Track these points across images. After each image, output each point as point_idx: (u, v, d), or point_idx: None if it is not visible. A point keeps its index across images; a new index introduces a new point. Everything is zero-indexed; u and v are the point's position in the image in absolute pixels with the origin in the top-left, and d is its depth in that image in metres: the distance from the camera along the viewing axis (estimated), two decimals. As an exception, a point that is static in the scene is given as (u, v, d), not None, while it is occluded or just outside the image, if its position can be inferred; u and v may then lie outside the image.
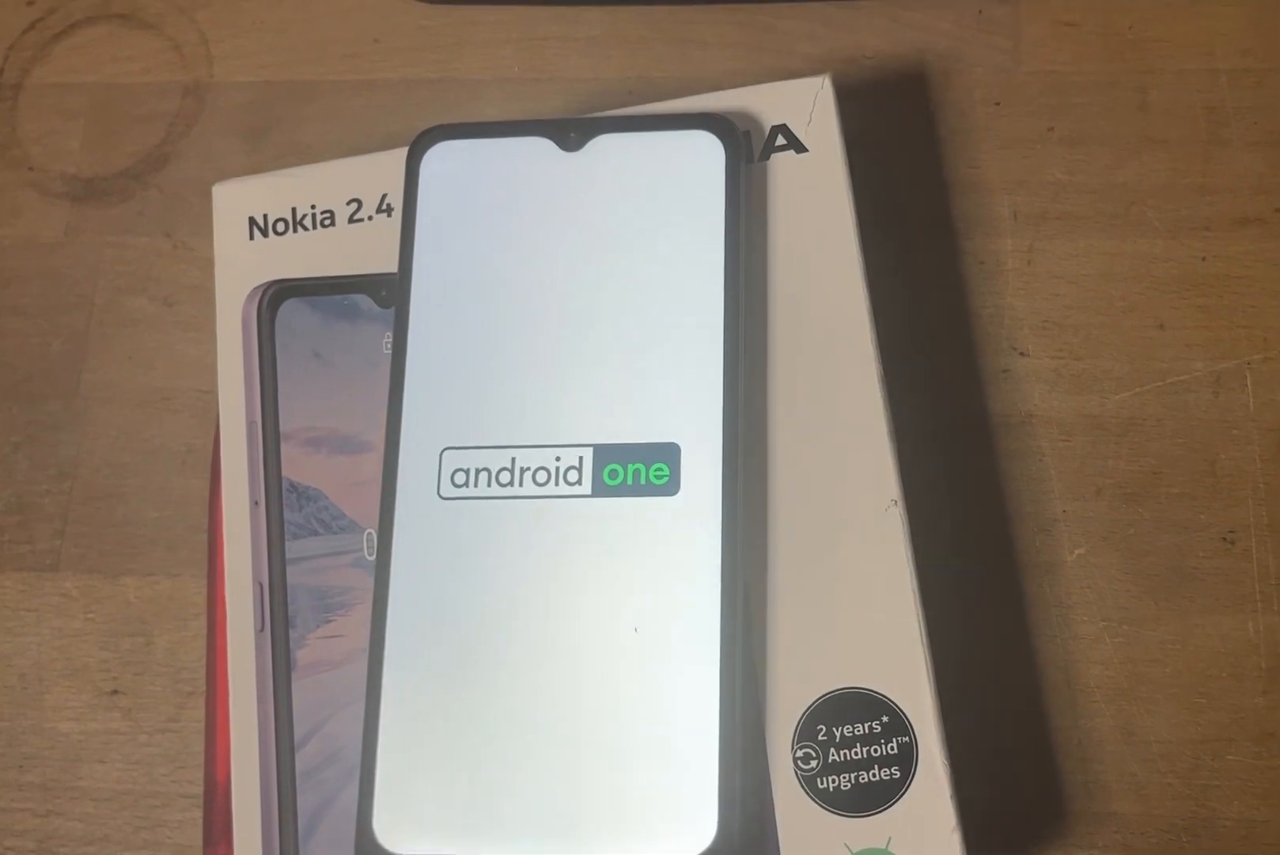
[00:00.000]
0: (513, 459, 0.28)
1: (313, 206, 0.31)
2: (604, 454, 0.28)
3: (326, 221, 0.31)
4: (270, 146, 0.36)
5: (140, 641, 0.32)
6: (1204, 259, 0.31)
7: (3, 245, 0.36)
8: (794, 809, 0.26)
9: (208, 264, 0.35)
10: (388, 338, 0.30)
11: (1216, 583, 0.30)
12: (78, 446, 0.34)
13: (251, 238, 0.31)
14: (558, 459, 0.28)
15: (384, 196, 0.31)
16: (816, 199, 0.29)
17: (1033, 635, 0.30)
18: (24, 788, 0.32)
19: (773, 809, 0.26)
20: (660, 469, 0.27)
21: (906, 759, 0.26)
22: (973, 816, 0.26)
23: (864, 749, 0.26)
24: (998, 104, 0.33)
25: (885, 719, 0.26)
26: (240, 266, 0.31)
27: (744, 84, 0.33)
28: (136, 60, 0.37)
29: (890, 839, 0.26)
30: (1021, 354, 0.31)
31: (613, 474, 0.28)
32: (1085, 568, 0.30)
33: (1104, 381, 0.31)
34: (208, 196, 0.33)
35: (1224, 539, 0.30)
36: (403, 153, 0.30)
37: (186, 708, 0.32)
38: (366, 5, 0.37)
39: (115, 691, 0.32)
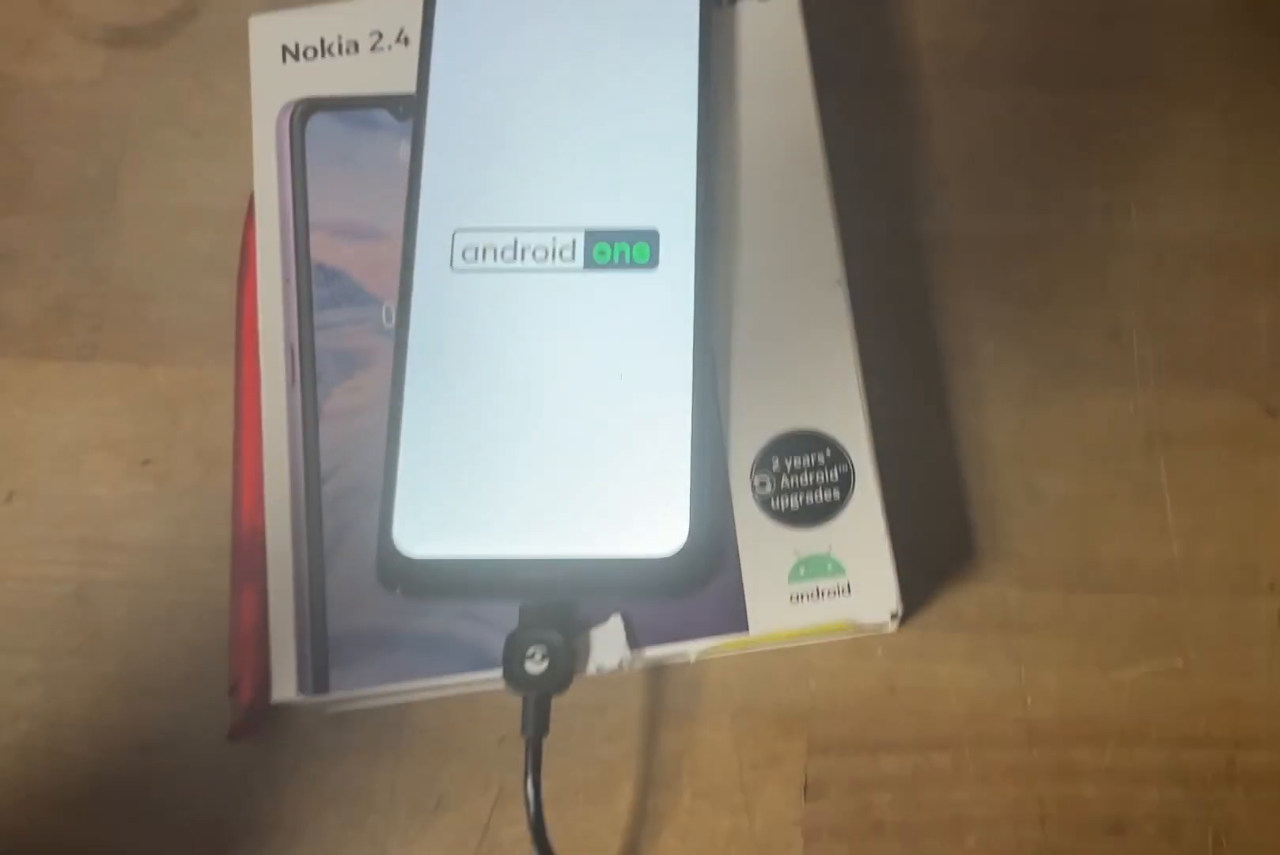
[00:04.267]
0: (515, 239, 0.33)
1: (339, 36, 0.36)
2: (594, 236, 0.33)
3: (351, 49, 0.36)
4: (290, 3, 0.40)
5: (169, 419, 0.36)
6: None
7: (43, 82, 0.40)
8: (752, 524, 0.31)
9: (233, 101, 0.39)
10: (404, 145, 0.34)
11: (1104, 370, 0.35)
12: (112, 255, 0.38)
13: (284, 62, 0.36)
14: (554, 239, 0.33)
15: (401, 30, 0.36)
16: (776, 42, 0.35)
17: (951, 410, 0.35)
18: (63, 544, 0.35)
19: (734, 524, 0.31)
20: (642, 248, 0.32)
21: (845, 483, 0.31)
22: (898, 554, 0.31)
23: (810, 476, 0.31)
24: (929, -19, 0.39)
25: (828, 452, 0.31)
26: (274, 85, 0.35)
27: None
28: (168, -76, 0.41)
29: (831, 546, 0.31)
30: (944, 184, 0.37)
31: (601, 252, 0.32)
32: (995, 359, 0.35)
33: (1014, 207, 0.36)
34: (233, 44, 0.38)
35: (1110, 337, 0.35)
36: (418, -6, 0.35)
37: (211, 475, 0.36)
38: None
39: (147, 462, 0.36)
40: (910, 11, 0.38)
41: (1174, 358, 0.35)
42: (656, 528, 0.30)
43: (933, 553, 0.34)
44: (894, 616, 0.30)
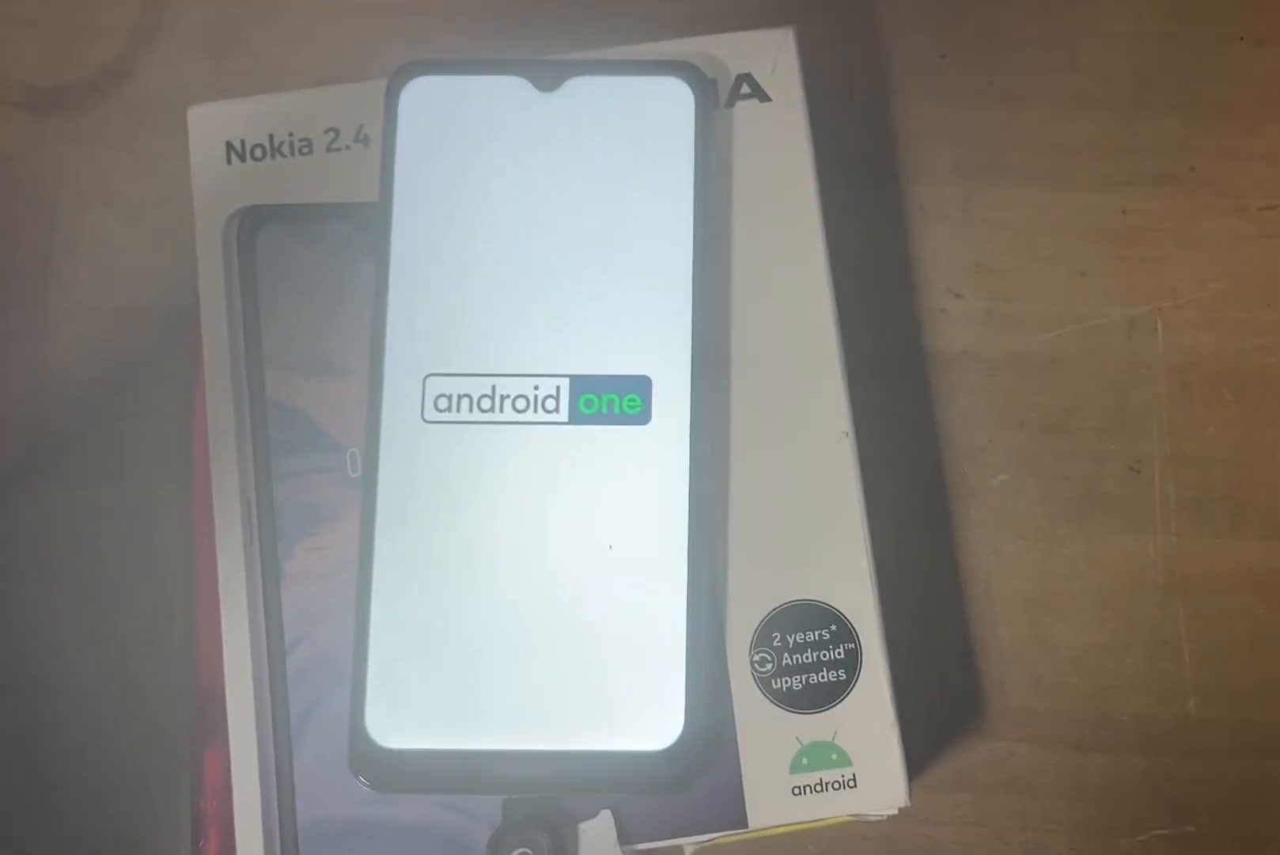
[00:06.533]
0: (493, 387, 0.30)
1: (290, 134, 0.32)
2: (580, 384, 0.30)
3: (304, 149, 0.32)
4: (235, 65, 0.36)
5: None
6: (1124, 213, 0.34)
7: (-41, 154, 0.36)
8: (751, 707, 0.29)
9: (172, 180, 0.36)
10: (366, 266, 0.31)
11: (1122, 508, 0.33)
12: (45, 358, 0.35)
13: (229, 162, 0.32)
14: (536, 388, 0.30)
15: (361, 127, 0.32)
16: (778, 147, 0.31)
17: (958, 552, 0.33)
18: None
19: (732, 707, 0.29)
20: (633, 400, 0.30)
21: (852, 663, 0.29)
22: (904, 712, 0.29)
23: (814, 654, 0.29)
24: (942, 57, 0.35)
25: (833, 627, 0.29)
26: (218, 190, 0.32)
27: (699, 16, 0.35)
28: (91, -32, 0.37)
29: (836, 732, 0.29)
30: (957, 295, 0.34)
31: (588, 403, 0.30)
32: (1007, 492, 0.33)
33: (1029, 323, 0.34)
34: (171, 112, 0.34)
35: (1130, 468, 0.33)
36: (379, 84, 0.31)
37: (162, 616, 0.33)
38: (332, -76, 0.37)
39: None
40: (923, 100, 0.35)
41: (1198, 495, 0.33)
42: (649, 718, 0.28)
43: (938, 708, 0.32)
44: (902, 809, 0.29)
